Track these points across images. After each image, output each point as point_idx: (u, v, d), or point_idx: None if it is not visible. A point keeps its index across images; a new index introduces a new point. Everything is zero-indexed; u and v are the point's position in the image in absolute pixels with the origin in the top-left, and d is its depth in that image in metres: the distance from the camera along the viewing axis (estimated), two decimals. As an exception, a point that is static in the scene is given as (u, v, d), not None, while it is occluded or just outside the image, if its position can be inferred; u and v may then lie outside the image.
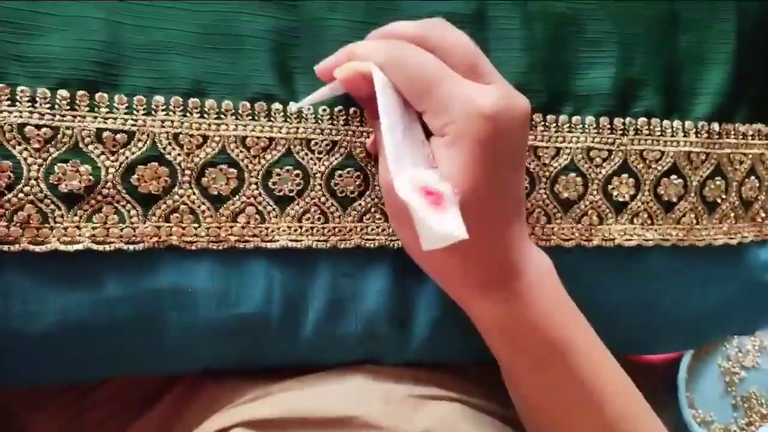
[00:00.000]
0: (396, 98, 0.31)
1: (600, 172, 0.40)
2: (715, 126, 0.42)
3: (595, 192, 0.40)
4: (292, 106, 0.36)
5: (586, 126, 0.40)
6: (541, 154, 0.39)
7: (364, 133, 0.37)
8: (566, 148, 0.40)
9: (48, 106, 0.32)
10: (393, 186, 0.29)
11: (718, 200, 0.43)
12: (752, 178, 0.44)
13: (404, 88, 0.31)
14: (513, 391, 0.38)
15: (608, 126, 0.40)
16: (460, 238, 0.27)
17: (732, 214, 0.44)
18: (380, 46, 0.32)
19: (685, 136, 0.42)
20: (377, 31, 0.34)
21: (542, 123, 0.39)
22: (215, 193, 0.35)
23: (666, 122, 0.41)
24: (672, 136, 0.41)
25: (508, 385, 0.39)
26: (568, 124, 0.40)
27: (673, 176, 0.42)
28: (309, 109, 0.36)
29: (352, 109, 0.37)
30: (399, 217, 0.34)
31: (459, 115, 0.30)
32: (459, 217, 0.27)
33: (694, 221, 0.43)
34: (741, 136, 0.44)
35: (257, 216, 0.36)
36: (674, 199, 0.42)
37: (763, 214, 0.45)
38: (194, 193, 0.35)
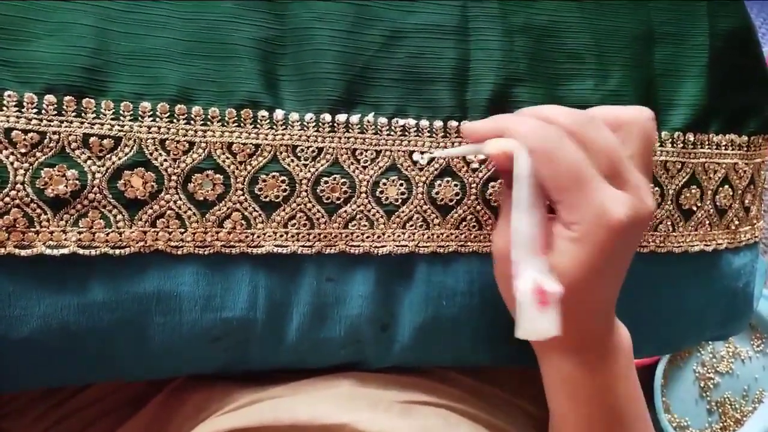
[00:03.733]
0: (533, 183, 0.32)
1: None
2: (690, 136, 0.44)
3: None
4: (423, 158, 0.38)
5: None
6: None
7: (350, 140, 0.37)
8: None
9: (35, 111, 0.32)
10: (507, 257, 0.33)
11: (694, 208, 0.44)
12: (726, 186, 0.46)
13: (548, 179, 0.32)
14: None
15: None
16: (552, 336, 0.31)
17: (707, 222, 0.45)
18: (537, 131, 0.32)
19: (661, 146, 0.43)
20: (532, 109, 0.35)
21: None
22: (201, 198, 0.35)
23: (643, 132, 0.42)
24: (649, 145, 0.42)
25: None
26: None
27: (651, 185, 0.43)
28: (295, 116, 0.36)
29: (338, 117, 0.37)
30: (505, 279, 0.36)
31: (589, 219, 0.31)
32: (558, 317, 0.31)
33: (671, 228, 0.44)
34: (715, 146, 0.45)
35: (243, 221, 0.36)
36: (651, 207, 0.43)
37: (737, 222, 0.47)
38: (180, 199, 0.35)
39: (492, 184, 0.39)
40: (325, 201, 0.37)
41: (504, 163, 0.33)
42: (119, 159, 0.34)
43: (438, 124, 0.39)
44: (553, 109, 0.34)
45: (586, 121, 0.33)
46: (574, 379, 0.36)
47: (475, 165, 0.39)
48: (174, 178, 0.35)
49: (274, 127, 0.36)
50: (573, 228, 0.32)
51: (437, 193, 0.39)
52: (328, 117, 0.37)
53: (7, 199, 0.32)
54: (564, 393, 0.37)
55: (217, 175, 0.35)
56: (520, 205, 0.32)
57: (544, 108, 0.35)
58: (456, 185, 0.39)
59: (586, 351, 0.36)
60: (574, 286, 0.32)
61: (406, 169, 0.38)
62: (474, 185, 0.39)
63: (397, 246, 0.39)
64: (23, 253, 0.33)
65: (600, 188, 0.31)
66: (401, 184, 0.38)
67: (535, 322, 0.31)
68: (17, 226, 0.33)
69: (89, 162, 0.33)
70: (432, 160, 0.38)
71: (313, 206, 0.37)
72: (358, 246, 0.38)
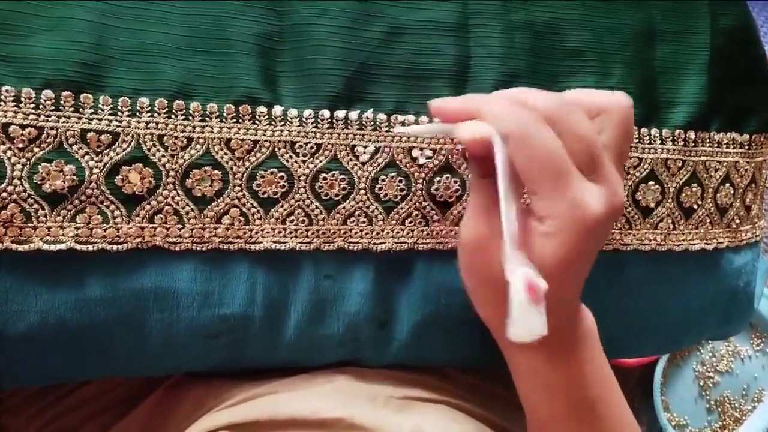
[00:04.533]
0: (510, 172, 0.30)
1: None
2: (691, 134, 0.44)
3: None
4: (398, 128, 0.37)
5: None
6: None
7: (349, 136, 0.37)
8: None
9: (33, 106, 0.32)
10: (480, 247, 0.32)
11: (694, 206, 0.44)
12: (727, 185, 0.45)
13: (523, 167, 0.30)
14: None
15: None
16: (543, 335, 0.29)
17: (708, 220, 0.45)
18: (513, 115, 0.29)
19: (662, 143, 0.43)
20: (509, 92, 0.32)
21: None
22: (199, 194, 0.35)
23: (644, 130, 0.42)
24: (650, 143, 0.42)
25: (528, 428, 0.39)
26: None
27: (651, 182, 0.43)
28: (293, 112, 0.36)
29: (336, 113, 0.37)
30: (477, 274, 0.34)
31: (563, 215, 0.30)
32: (545, 314, 0.29)
33: (671, 226, 0.44)
34: (716, 145, 0.45)
35: (241, 218, 0.36)
36: (652, 205, 0.43)
37: (738, 221, 0.47)
38: (178, 195, 0.35)
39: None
40: (324, 197, 0.37)
41: (477, 149, 0.31)
42: (117, 154, 0.34)
43: (438, 120, 0.38)
44: (528, 92, 0.31)
45: (564, 106, 0.30)
46: (543, 373, 0.35)
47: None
48: (172, 173, 0.35)
49: (273, 123, 0.36)
50: (546, 222, 0.30)
51: (436, 190, 0.39)
52: (326, 113, 0.37)
53: (4, 194, 0.32)
54: (534, 388, 0.37)
55: (216, 171, 0.35)
56: (509, 195, 0.30)
57: (518, 90, 0.32)
58: (456, 182, 0.39)
59: (553, 344, 0.34)
60: (547, 282, 0.30)
61: (405, 166, 0.38)
62: (473, 182, 0.39)
63: (396, 243, 0.39)
64: (20, 248, 0.33)
65: (577, 181, 0.30)
66: (400, 181, 0.38)
67: (529, 321, 0.29)
68: (14, 221, 0.33)
69: (87, 157, 0.33)
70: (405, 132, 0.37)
71: (312, 202, 0.37)
72: (357, 243, 0.38)
